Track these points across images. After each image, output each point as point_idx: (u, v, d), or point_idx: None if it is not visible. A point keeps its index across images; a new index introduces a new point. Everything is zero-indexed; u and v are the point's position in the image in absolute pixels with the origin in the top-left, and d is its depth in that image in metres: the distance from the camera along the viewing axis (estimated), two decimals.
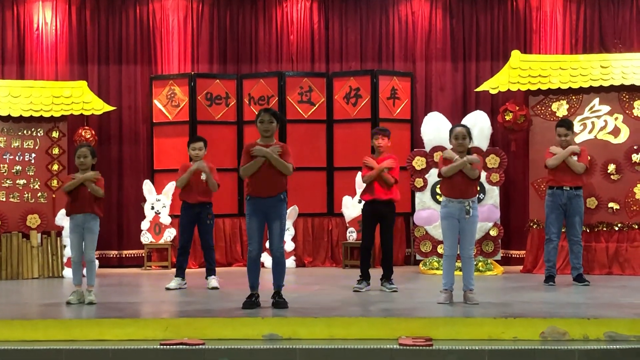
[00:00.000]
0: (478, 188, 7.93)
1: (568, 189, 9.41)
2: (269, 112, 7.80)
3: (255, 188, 7.51)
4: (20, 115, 11.25)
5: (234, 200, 12.17)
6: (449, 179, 7.74)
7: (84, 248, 8.20)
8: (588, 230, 10.62)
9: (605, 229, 10.69)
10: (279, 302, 7.43)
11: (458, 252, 7.77)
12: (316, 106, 12.22)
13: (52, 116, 11.31)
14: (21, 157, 11.27)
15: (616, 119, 10.82)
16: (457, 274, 7.78)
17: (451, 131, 8.03)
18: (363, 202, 9.16)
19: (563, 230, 9.73)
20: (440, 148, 10.98)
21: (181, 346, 6.14)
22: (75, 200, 8.22)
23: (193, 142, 9.57)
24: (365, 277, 8.90)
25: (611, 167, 10.74)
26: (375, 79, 11.99)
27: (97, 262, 8.58)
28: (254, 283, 7.56)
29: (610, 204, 10.69)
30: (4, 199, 11.12)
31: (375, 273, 9.07)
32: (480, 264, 10.75)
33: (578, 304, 7.70)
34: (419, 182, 11.18)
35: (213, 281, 9.32)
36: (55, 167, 11.42)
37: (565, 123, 9.73)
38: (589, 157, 9.87)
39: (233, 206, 12.14)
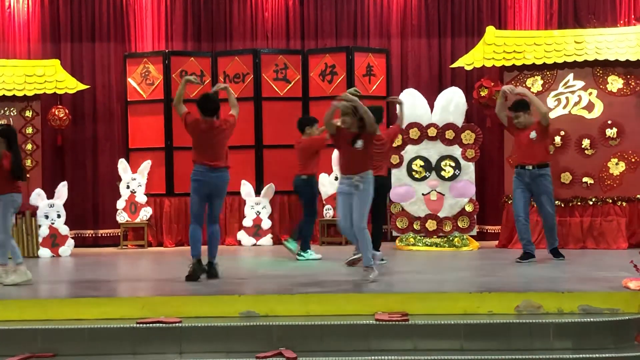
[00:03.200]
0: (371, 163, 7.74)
1: (531, 168, 9.13)
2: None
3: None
4: None
5: None
6: (340, 156, 7.72)
7: None
8: (563, 205, 10.71)
9: (579, 203, 10.78)
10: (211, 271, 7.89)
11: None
12: (292, 83, 12.19)
13: (25, 95, 11.23)
14: None
15: (590, 94, 10.88)
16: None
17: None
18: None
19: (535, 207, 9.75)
20: (416, 125, 11.04)
21: (158, 324, 6.14)
22: None
23: None
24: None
25: (585, 142, 10.81)
26: (350, 56, 11.96)
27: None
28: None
29: (585, 179, 10.78)
30: None
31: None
32: (456, 239, 10.82)
33: (552, 278, 7.76)
34: (394, 158, 11.18)
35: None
36: (29, 146, 11.34)
37: (513, 106, 9.42)
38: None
39: None
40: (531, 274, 8.03)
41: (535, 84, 11.01)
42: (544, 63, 10.88)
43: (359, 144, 7.49)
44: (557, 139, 10.82)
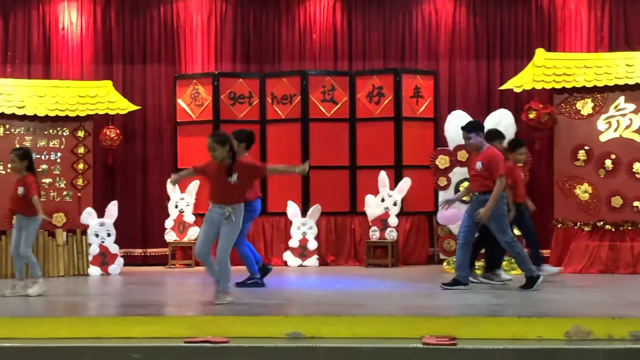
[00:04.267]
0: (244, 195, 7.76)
1: (477, 194, 8.74)
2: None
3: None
4: (46, 115, 11.34)
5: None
6: (212, 187, 7.72)
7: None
8: (613, 230, 10.57)
9: (630, 227, 10.61)
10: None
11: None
12: (339, 105, 12.23)
13: (77, 116, 11.39)
14: (47, 156, 11.37)
15: None
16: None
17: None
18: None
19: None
20: (464, 147, 10.97)
21: (205, 344, 6.17)
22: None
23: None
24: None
25: (636, 166, 10.66)
26: (398, 78, 11.97)
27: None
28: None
29: (635, 203, 10.61)
30: None
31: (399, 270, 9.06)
32: (504, 263, 10.71)
33: (603, 303, 7.65)
34: (442, 180, 11.16)
35: None
36: (81, 166, 11.50)
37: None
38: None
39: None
40: (581, 299, 7.93)
41: (586, 106, 10.91)
42: (595, 86, 10.77)
43: (234, 178, 7.47)
44: (608, 163, 10.69)
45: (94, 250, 11.12)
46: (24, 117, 11.32)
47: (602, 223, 10.67)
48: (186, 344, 6.16)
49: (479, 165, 8.62)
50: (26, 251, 8.79)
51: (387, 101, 12.01)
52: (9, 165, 9.22)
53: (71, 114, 11.35)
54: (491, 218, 8.47)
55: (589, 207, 10.77)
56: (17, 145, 10.81)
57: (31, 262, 8.85)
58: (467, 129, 8.82)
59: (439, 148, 11.64)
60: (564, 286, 9.02)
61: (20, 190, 8.73)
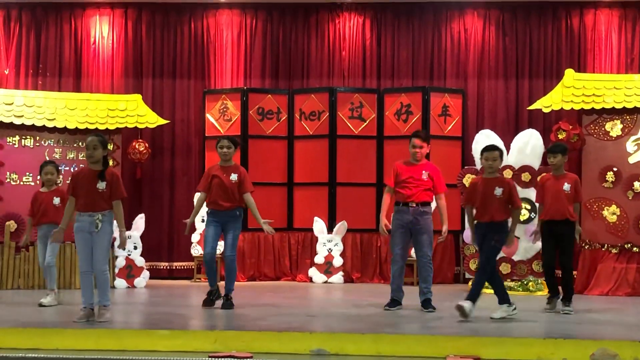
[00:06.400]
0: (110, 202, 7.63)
1: (414, 205, 8.51)
2: (228, 138, 8.77)
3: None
4: (76, 127, 11.48)
5: (284, 213, 12.26)
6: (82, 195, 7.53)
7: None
8: None
9: None
10: (226, 303, 8.53)
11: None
12: (367, 122, 12.26)
13: (107, 128, 11.50)
14: (76, 168, 11.46)
15: None
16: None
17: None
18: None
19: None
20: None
21: (230, 359, 6.19)
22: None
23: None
24: (554, 294, 8.80)
25: None
26: (426, 96, 11.98)
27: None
28: (212, 281, 8.76)
29: None
30: None
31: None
32: (530, 283, 10.67)
33: (630, 325, 7.59)
34: None
35: None
36: None
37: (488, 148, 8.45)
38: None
39: (282, 220, 12.21)
40: (607, 320, 7.87)
41: (615, 128, 10.86)
42: (624, 107, 10.74)
43: (102, 185, 7.49)
44: (637, 185, 10.65)
45: (120, 262, 11.20)
46: (54, 129, 11.46)
47: (629, 245, 10.60)
48: (211, 358, 6.19)
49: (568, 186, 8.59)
50: (52, 260, 8.98)
51: (415, 119, 12.02)
52: (41, 177, 9.33)
53: (101, 127, 11.45)
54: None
55: (616, 229, 10.70)
56: (47, 158, 10.94)
57: (53, 273, 9.04)
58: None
59: (466, 167, 11.62)
60: (591, 308, 8.95)
61: (56, 200, 9.03)
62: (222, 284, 8.86)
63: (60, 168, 9.45)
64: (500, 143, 11.07)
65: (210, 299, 8.70)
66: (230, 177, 8.65)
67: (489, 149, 8.07)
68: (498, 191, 7.84)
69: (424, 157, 8.81)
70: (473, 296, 7.75)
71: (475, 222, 8.06)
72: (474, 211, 8.08)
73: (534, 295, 10.45)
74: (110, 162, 11.52)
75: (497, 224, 7.86)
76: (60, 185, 9.42)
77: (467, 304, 7.62)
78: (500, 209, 7.86)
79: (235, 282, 9.03)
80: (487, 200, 7.86)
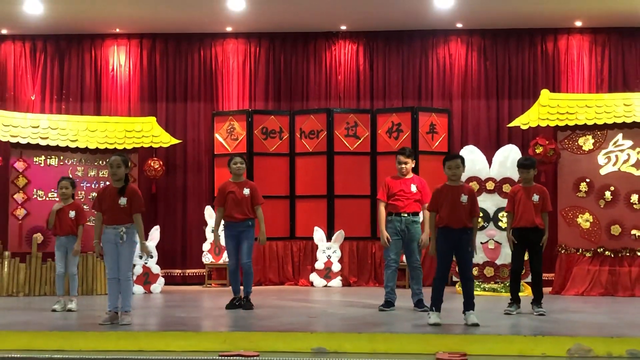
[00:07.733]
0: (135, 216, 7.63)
1: (406, 215, 8.65)
2: (240, 156, 9.12)
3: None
4: (97, 147, 11.52)
5: (286, 224, 12.27)
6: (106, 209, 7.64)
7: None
8: (612, 256, 10.51)
9: (628, 254, 10.54)
10: (246, 304, 8.76)
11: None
12: (361, 140, 12.28)
13: (124, 148, 11.53)
14: (97, 185, 11.51)
15: (638, 152, 10.70)
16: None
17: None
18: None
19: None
20: (475, 179, 10.97)
21: (238, 357, 6.19)
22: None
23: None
24: (515, 301, 8.52)
25: (634, 197, 10.61)
26: (415, 115, 12.02)
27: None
28: (236, 289, 8.96)
29: (633, 231, 10.56)
30: None
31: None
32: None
33: (603, 323, 7.59)
34: None
35: None
36: None
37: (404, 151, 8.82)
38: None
39: (285, 229, 12.23)
40: (582, 319, 7.87)
41: (587, 142, 10.89)
42: (595, 124, 10.77)
43: (123, 201, 7.55)
44: (607, 194, 10.66)
45: (138, 270, 11.19)
46: (76, 150, 11.50)
47: (602, 249, 10.61)
48: (220, 357, 6.20)
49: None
50: (73, 269, 9.06)
51: (405, 136, 12.04)
52: (57, 192, 9.35)
53: (119, 147, 11.48)
54: None
55: (590, 235, 10.71)
56: (70, 176, 10.96)
57: (75, 280, 9.12)
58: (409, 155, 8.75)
59: None
60: (567, 307, 8.95)
61: (72, 213, 9.03)
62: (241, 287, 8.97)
63: (75, 182, 9.44)
64: (483, 157, 11.15)
65: (234, 303, 8.87)
66: (243, 192, 8.77)
67: (451, 157, 7.71)
68: (464, 198, 7.50)
69: (410, 171, 8.82)
70: (472, 305, 7.49)
71: (445, 227, 7.52)
72: (437, 217, 7.61)
73: None
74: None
75: (469, 230, 7.52)
76: (75, 200, 9.38)
77: (472, 316, 7.37)
78: (467, 216, 7.51)
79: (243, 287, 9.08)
80: (455, 207, 7.47)
